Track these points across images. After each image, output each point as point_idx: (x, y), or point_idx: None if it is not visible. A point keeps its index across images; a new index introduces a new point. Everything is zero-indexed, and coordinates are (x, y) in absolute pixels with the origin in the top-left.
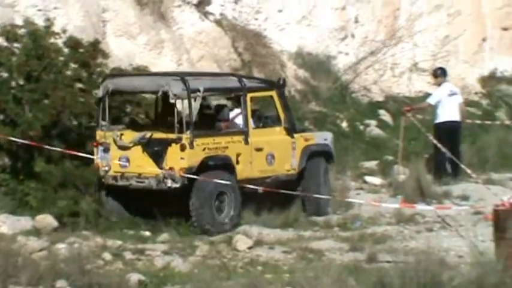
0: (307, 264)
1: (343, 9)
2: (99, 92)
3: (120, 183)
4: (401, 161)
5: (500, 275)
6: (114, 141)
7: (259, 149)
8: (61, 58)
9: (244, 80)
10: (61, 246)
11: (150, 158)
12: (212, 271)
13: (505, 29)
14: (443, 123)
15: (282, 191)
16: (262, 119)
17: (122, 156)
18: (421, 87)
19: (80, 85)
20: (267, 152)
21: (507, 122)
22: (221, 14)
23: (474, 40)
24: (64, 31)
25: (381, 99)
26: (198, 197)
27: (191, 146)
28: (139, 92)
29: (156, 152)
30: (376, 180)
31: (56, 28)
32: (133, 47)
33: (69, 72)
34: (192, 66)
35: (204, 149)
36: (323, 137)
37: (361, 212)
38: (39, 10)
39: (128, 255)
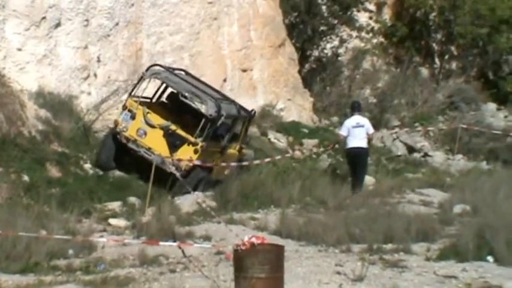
0: None
1: (85, 48)
2: (146, 74)
3: (130, 145)
4: (148, 202)
5: None
6: (143, 115)
7: (224, 159)
8: None
9: (240, 108)
10: None
11: (166, 144)
12: None
13: (244, 70)
14: (350, 149)
15: None
16: (233, 137)
17: (141, 128)
18: None
19: None
20: (226, 162)
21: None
22: None
23: (215, 81)
24: None
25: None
26: (188, 182)
27: (201, 151)
28: (178, 92)
29: (174, 143)
30: (120, 222)
31: None
32: None
33: None
34: None
35: (203, 154)
36: (251, 155)
37: (104, 254)
38: None
39: None
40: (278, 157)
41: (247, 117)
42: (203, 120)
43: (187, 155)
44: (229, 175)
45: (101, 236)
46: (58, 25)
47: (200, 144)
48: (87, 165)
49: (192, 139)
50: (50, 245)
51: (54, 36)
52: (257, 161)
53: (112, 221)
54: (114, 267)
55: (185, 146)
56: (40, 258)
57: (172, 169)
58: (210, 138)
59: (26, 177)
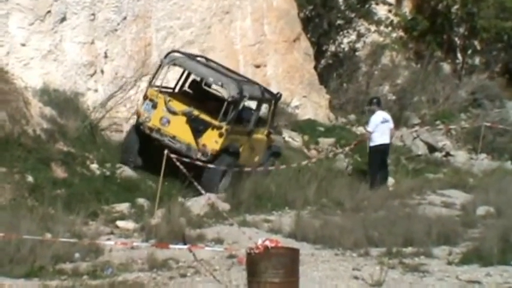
0: None
1: (91, 44)
2: (165, 61)
3: (154, 135)
4: (158, 204)
5: None
6: (165, 103)
7: (252, 144)
8: None
9: (264, 90)
10: None
11: (190, 130)
12: None
13: (258, 66)
14: (378, 145)
15: None
16: (259, 121)
17: (164, 116)
18: None
19: None
20: (254, 147)
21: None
22: None
23: None
24: None
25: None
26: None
27: (226, 135)
28: (199, 76)
29: (198, 128)
30: (128, 224)
31: None
32: None
33: None
34: None
35: (229, 138)
36: (279, 141)
37: (111, 258)
38: None
39: None
40: (294, 165)
41: (272, 99)
42: (226, 103)
43: (212, 139)
44: (259, 162)
45: (108, 239)
46: (63, 19)
47: (225, 127)
48: (94, 165)
49: (216, 123)
50: (55, 248)
51: (60, 31)
52: (271, 167)
53: (120, 223)
54: (122, 272)
55: (209, 131)
56: (45, 262)
57: (199, 155)
58: (234, 121)
59: (30, 178)
